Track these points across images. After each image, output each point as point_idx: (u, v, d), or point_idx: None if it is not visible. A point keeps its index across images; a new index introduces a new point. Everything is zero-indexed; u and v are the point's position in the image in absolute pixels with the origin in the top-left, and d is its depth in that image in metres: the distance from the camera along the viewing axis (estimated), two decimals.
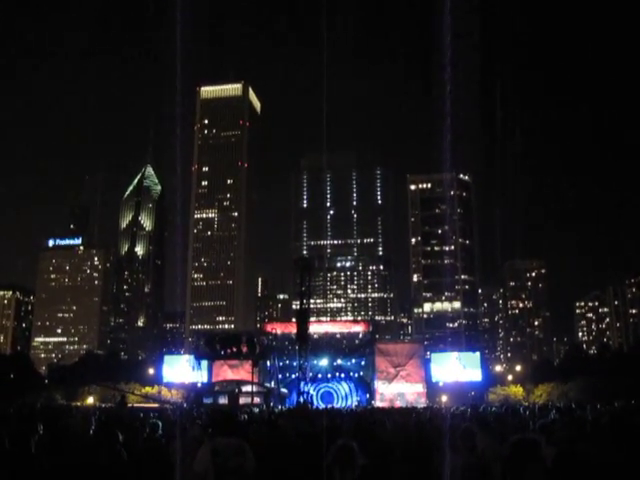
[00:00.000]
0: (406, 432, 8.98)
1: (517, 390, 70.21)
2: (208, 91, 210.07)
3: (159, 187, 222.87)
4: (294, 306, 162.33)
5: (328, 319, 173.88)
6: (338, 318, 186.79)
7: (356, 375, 65.37)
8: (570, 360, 77.89)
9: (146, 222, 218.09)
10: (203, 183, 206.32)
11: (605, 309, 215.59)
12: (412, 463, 5.95)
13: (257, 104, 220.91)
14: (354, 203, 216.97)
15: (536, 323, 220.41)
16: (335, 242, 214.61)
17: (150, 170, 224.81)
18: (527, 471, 3.33)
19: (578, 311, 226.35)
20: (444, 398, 66.53)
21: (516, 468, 3.36)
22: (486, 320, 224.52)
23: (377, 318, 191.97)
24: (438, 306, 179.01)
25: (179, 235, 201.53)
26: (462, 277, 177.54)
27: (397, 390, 64.16)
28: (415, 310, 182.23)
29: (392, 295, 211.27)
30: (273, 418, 13.12)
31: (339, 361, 65.13)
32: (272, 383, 62.61)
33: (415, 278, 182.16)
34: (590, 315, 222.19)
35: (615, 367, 60.52)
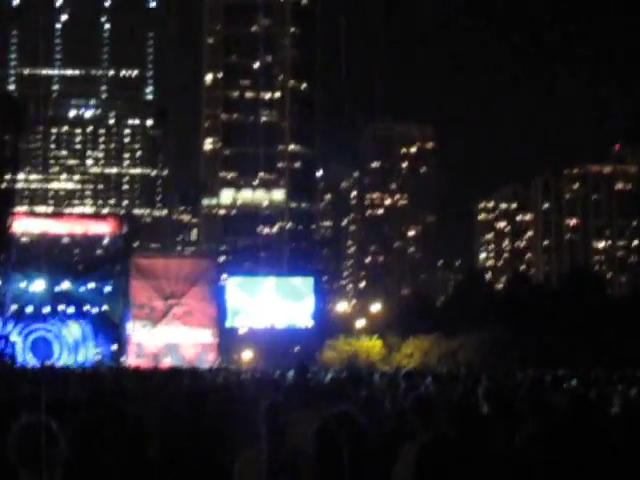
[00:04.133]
0: (168, 409, 9.49)
1: (373, 345, 75.71)
2: None
3: None
4: None
5: (50, 210, 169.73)
6: (68, 209, 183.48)
7: (95, 310, 65.77)
8: (462, 298, 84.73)
9: None
10: None
11: (526, 216, 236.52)
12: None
13: None
14: (105, 3, 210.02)
15: (411, 233, 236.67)
16: (68, 73, 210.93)
17: None
18: (333, 457, 4.02)
19: (481, 217, 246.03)
20: (248, 355, 69.80)
21: (319, 456, 4.08)
22: (328, 224, 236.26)
23: (137, 212, 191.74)
24: (246, 196, 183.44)
25: None
26: (290, 147, 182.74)
27: (167, 339, 65.82)
28: (205, 202, 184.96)
29: (166, 173, 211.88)
30: None
31: (66, 285, 65.18)
32: None
33: (208, 145, 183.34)
34: (500, 225, 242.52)
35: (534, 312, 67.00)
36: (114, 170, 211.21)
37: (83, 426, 7.63)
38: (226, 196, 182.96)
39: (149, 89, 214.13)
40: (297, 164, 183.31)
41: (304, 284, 76.13)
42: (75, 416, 8.42)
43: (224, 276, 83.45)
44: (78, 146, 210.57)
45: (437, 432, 6.11)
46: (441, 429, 6.37)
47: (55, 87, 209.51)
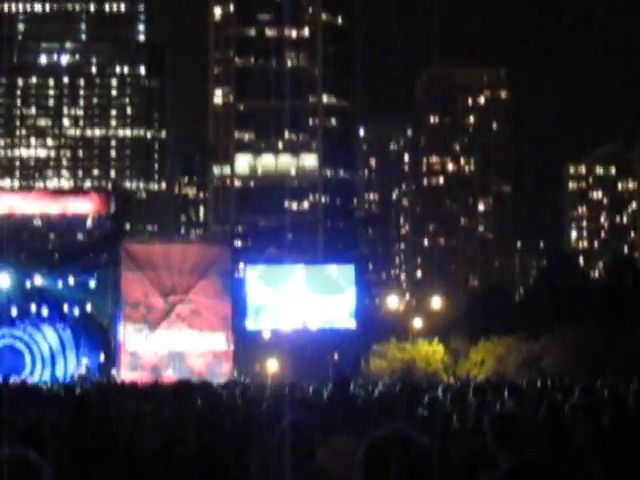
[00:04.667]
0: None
1: (433, 350, 75.84)
2: None
3: None
4: None
5: (16, 185, 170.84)
6: (38, 183, 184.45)
7: (77, 311, 66.06)
8: (547, 289, 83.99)
9: None
10: None
11: (629, 183, 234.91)
12: None
13: None
14: None
15: (481, 207, 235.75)
16: (37, 8, 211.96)
17: None
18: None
19: (571, 186, 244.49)
20: (273, 365, 70.00)
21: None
22: (373, 197, 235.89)
23: (128, 185, 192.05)
24: (268, 162, 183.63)
25: None
26: (324, 99, 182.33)
27: (169, 346, 66.03)
28: (216, 171, 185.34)
29: (164, 135, 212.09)
30: None
31: (39, 280, 65.28)
32: None
33: (219, 98, 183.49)
34: (596, 195, 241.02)
35: None
36: (98, 132, 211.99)
37: (63, 458, 7.71)
38: (242, 163, 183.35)
39: (141, 27, 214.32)
40: (333, 121, 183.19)
41: (343, 274, 76.02)
42: (54, 446, 8.45)
43: (241, 265, 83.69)
44: (51, 102, 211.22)
45: (522, 458, 6.04)
46: (526, 454, 6.31)
47: (20, 27, 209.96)
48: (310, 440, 6.32)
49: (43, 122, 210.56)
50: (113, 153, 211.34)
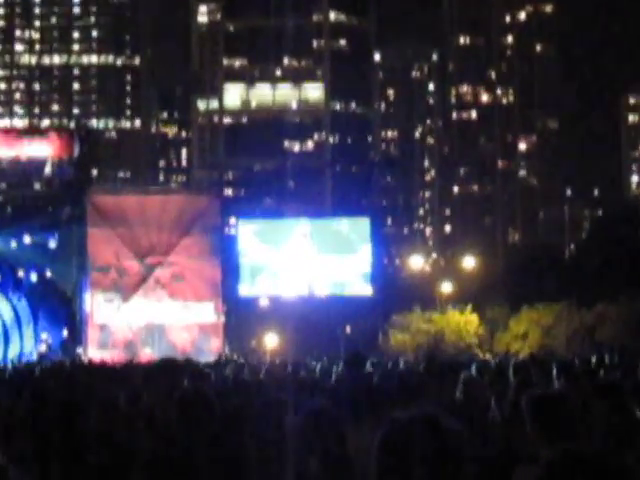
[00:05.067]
0: None
1: (465, 321, 76.41)
2: None
3: None
4: None
5: None
6: None
7: (34, 278, 66.14)
8: (603, 246, 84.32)
9: None
10: None
11: None
12: None
13: None
14: None
15: (522, 147, 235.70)
16: None
17: None
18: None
19: (631, 119, 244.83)
20: (272, 339, 70.25)
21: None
22: (392, 135, 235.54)
23: (95, 124, 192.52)
24: (264, 94, 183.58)
25: None
26: (331, 16, 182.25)
27: (147, 318, 66.19)
28: (201, 105, 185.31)
29: (138, 62, 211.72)
30: None
31: None
32: None
33: (203, 16, 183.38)
34: None
35: None
36: (58, 59, 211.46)
37: (25, 453, 7.75)
38: (233, 95, 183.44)
39: None
40: (342, 43, 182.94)
41: (356, 229, 76.17)
42: (12, 438, 8.52)
43: (233, 219, 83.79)
44: (1, 23, 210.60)
45: (569, 449, 6.03)
46: (574, 444, 6.31)
47: None
48: (338, 426, 6.34)
49: None
50: (76, 85, 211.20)
